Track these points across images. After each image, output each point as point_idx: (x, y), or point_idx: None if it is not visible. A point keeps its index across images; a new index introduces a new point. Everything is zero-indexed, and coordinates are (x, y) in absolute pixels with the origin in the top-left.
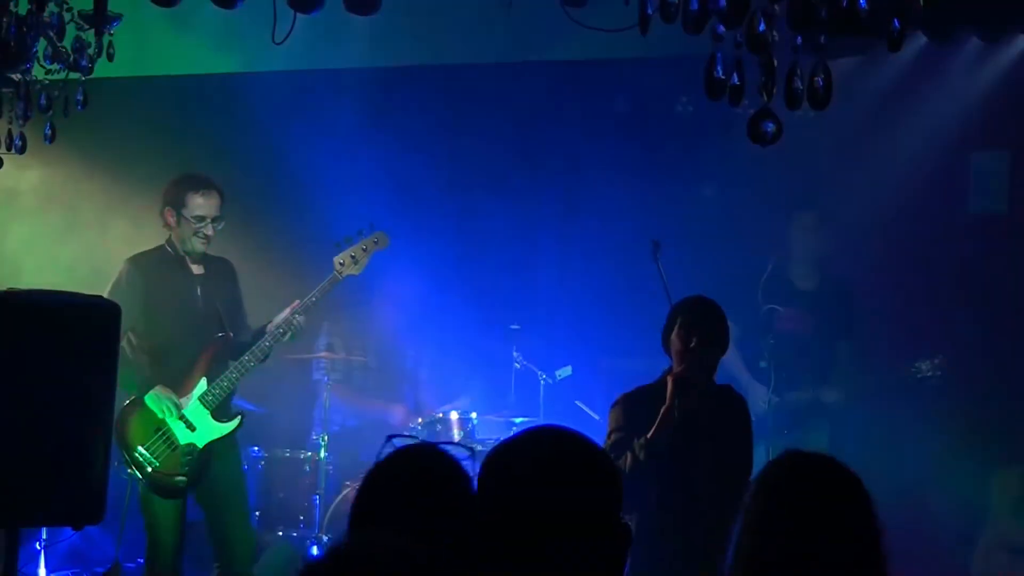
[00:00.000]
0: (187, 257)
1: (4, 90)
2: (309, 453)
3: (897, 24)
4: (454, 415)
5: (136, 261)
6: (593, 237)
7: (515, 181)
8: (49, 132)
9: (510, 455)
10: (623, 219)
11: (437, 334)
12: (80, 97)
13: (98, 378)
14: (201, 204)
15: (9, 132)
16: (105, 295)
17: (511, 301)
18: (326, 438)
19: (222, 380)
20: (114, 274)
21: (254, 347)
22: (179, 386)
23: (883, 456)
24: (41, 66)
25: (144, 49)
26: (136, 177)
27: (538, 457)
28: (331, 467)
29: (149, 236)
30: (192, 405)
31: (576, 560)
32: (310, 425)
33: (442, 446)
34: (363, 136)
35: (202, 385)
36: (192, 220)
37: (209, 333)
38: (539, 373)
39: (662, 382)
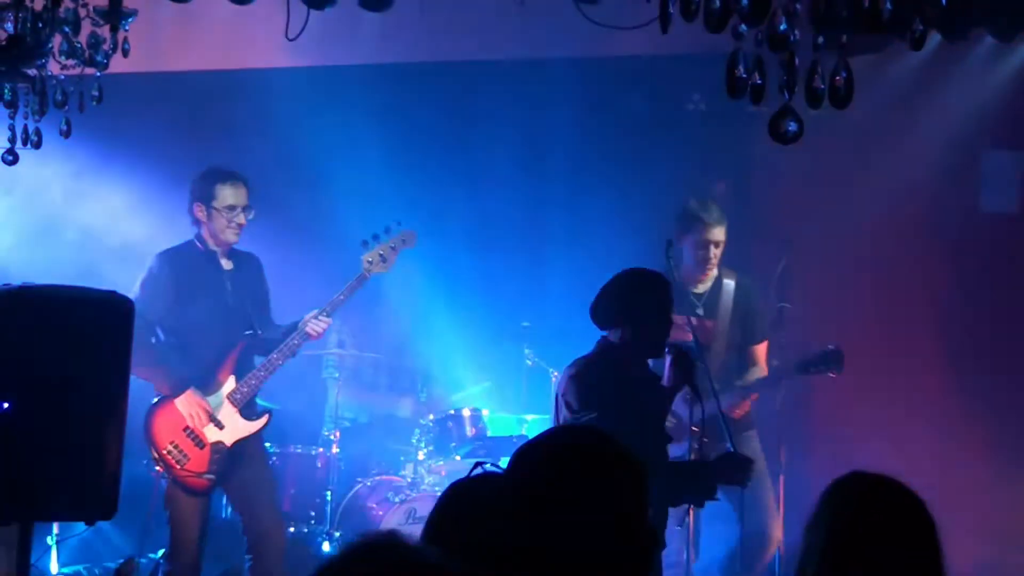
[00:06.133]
0: (217, 252)
1: (20, 85)
2: (320, 449)
3: (920, 25)
4: (466, 412)
5: (166, 256)
6: (605, 235)
7: (527, 178)
8: (64, 127)
9: (541, 453)
10: (635, 217)
11: (448, 331)
12: (95, 93)
13: (112, 373)
14: (231, 194)
15: (25, 127)
16: (134, 289)
17: (522, 298)
18: (337, 434)
19: (250, 378)
20: (143, 269)
21: (282, 345)
22: (207, 383)
23: (897, 455)
24: (57, 61)
25: (159, 45)
26: (151, 172)
27: (569, 457)
28: (342, 463)
29: (165, 230)
30: (221, 403)
31: (602, 563)
32: (321, 421)
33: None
34: (375, 133)
35: (230, 383)
36: (223, 211)
37: (238, 329)
38: (550, 370)
39: (602, 354)
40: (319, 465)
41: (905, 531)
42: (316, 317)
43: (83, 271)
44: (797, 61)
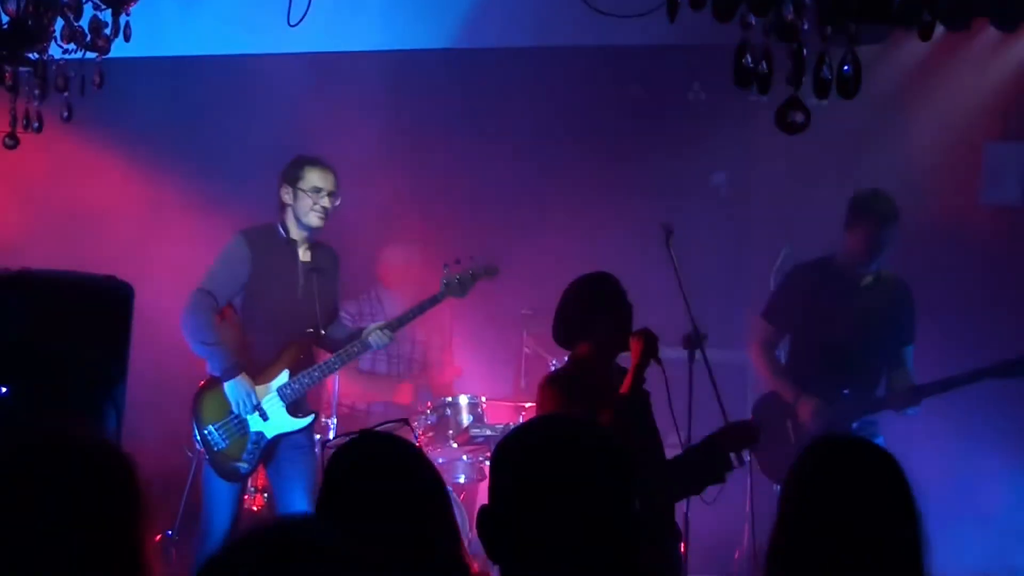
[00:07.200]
0: (297, 241)
1: (21, 69)
2: (318, 435)
3: (928, 16)
4: (463, 399)
5: (248, 235)
6: (605, 223)
7: (527, 166)
8: (66, 112)
9: (523, 443)
10: (635, 205)
11: (447, 318)
12: (96, 77)
13: (110, 358)
14: (318, 176)
15: (26, 111)
16: (211, 265)
17: (522, 286)
18: (335, 421)
19: (303, 376)
20: (224, 245)
21: (341, 351)
22: (261, 373)
23: (897, 448)
24: (58, 46)
25: (160, 30)
26: (152, 157)
27: (551, 447)
28: None
29: (166, 217)
30: (270, 395)
31: (588, 551)
32: (319, 408)
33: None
34: (376, 120)
35: (283, 377)
36: (309, 192)
37: (302, 323)
38: (549, 359)
39: (574, 365)
40: (316, 452)
41: (880, 487)
42: (381, 330)
43: (74, 252)
44: (805, 51)
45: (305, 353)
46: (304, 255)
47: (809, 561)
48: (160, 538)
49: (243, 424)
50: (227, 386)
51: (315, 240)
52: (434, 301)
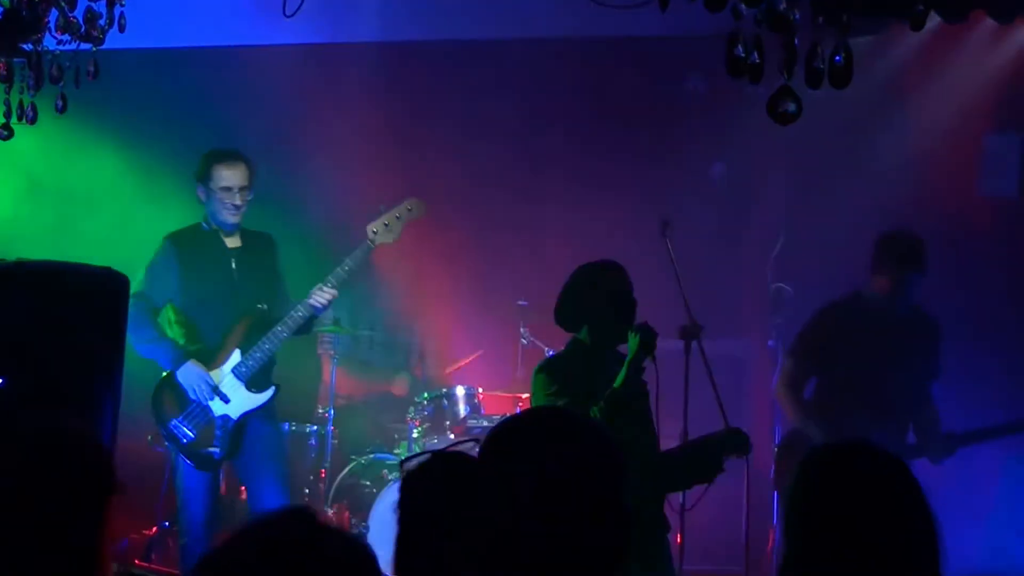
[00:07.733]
0: (221, 231)
1: (16, 60)
2: (315, 427)
3: (920, 6)
4: (460, 390)
5: (173, 238)
6: (602, 215)
7: (524, 157)
8: (60, 103)
9: (513, 435)
10: (632, 197)
11: (444, 309)
12: (91, 68)
13: (107, 347)
14: (226, 175)
15: (20, 102)
16: (142, 271)
17: (519, 277)
18: (332, 412)
19: (255, 351)
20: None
21: (287, 317)
22: (213, 358)
23: None
24: (52, 37)
25: (155, 21)
26: (146, 148)
27: (541, 439)
28: (337, 441)
29: (160, 208)
30: (226, 377)
31: (578, 544)
32: (315, 399)
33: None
34: (372, 110)
35: (235, 356)
36: (219, 192)
37: (244, 306)
38: (545, 349)
39: (572, 350)
40: (314, 442)
41: (888, 490)
42: (321, 288)
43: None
44: (797, 41)
45: (254, 330)
46: (232, 242)
47: (822, 569)
48: (156, 529)
49: (206, 411)
50: (179, 375)
51: (242, 228)
52: (367, 250)
